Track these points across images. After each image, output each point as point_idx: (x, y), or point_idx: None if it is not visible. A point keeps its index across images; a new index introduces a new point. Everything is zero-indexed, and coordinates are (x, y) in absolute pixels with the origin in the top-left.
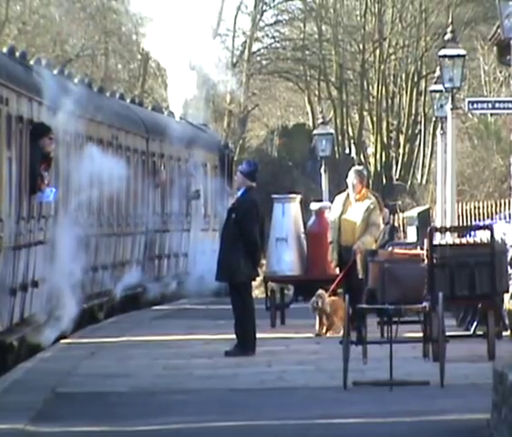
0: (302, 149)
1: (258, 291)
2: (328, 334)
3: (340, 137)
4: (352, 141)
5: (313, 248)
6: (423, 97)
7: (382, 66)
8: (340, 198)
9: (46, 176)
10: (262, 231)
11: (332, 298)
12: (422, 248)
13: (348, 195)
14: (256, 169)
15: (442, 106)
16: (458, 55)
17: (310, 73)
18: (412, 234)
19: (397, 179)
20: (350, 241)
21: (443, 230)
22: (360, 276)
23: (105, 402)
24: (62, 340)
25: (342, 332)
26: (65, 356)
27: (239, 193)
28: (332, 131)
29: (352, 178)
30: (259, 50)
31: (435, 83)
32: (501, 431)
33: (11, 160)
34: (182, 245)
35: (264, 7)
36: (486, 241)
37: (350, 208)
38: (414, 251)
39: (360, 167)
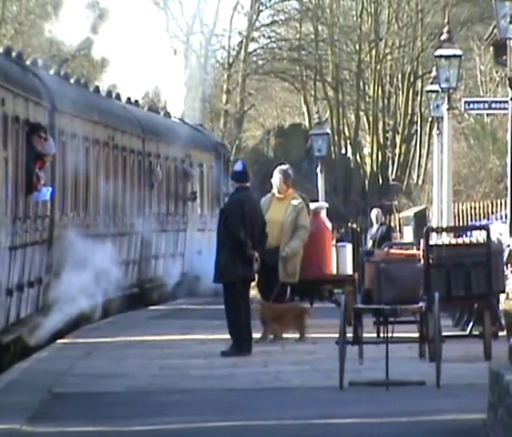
0: (298, 149)
1: (254, 292)
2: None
3: (336, 138)
4: (348, 141)
5: (310, 248)
6: (419, 98)
7: (378, 67)
8: (265, 199)
9: (42, 176)
10: (256, 231)
11: (276, 305)
12: (418, 249)
13: (273, 195)
14: (242, 170)
15: (438, 106)
16: (454, 56)
17: (306, 73)
18: (408, 234)
19: (393, 179)
20: (274, 243)
21: (439, 230)
22: (281, 279)
23: (101, 402)
24: (58, 340)
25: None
26: (61, 356)
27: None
28: (329, 131)
29: (276, 178)
30: (255, 50)
31: (432, 83)
32: (497, 432)
33: (7, 160)
34: (179, 245)
35: (260, 7)
36: (482, 241)
37: (275, 209)
38: (410, 251)
39: (285, 167)
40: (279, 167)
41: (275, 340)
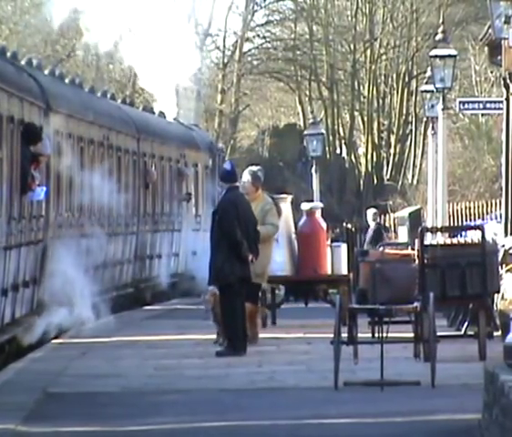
0: (292, 149)
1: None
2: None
3: (331, 138)
4: (343, 141)
5: (304, 248)
6: (414, 97)
7: (373, 67)
8: None
9: (37, 176)
10: (251, 231)
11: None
12: (413, 249)
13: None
14: (232, 170)
15: (433, 106)
16: (449, 56)
17: (301, 73)
18: (403, 234)
19: (388, 180)
20: None
21: (434, 230)
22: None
23: (96, 403)
24: (53, 341)
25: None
26: (56, 356)
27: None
28: (323, 131)
29: (244, 179)
30: (250, 50)
31: (426, 83)
32: (492, 432)
33: (2, 161)
34: (173, 245)
35: (255, 7)
36: (477, 241)
37: None
38: (405, 251)
39: (255, 168)
40: (248, 169)
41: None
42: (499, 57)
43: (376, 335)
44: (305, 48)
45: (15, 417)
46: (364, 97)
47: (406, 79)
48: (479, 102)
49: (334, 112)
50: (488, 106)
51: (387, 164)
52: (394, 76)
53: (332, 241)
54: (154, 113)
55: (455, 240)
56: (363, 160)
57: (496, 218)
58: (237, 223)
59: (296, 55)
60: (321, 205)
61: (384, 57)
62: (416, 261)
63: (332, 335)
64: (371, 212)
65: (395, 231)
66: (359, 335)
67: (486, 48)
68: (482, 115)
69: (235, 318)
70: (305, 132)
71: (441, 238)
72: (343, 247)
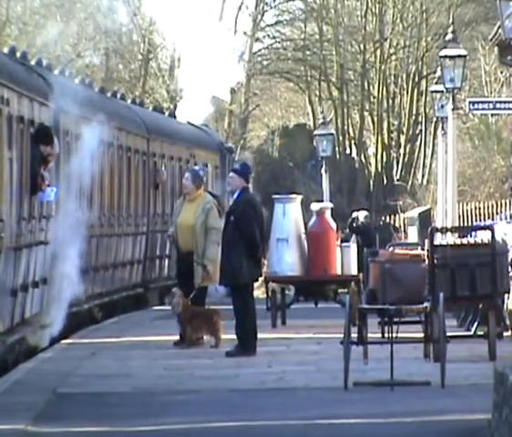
0: (302, 150)
1: (259, 292)
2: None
3: (341, 138)
4: (352, 141)
5: (314, 248)
6: (424, 98)
7: (383, 67)
8: (177, 203)
9: (46, 177)
10: (263, 231)
11: (191, 306)
12: (423, 249)
13: (185, 198)
14: (249, 171)
15: (443, 106)
16: (459, 56)
17: (311, 73)
18: (413, 234)
19: (398, 180)
20: (187, 246)
21: (444, 231)
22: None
23: (105, 403)
24: (63, 341)
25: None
26: (65, 356)
27: (235, 195)
28: (333, 131)
29: (184, 179)
30: (260, 50)
31: (436, 83)
32: (502, 432)
33: (12, 161)
34: None
35: (265, 8)
36: (486, 242)
37: (185, 212)
38: (415, 252)
39: (196, 168)
40: (189, 169)
41: (189, 344)
42: (509, 57)
43: (386, 335)
44: (315, 48)
45: (25, 417)
46: (374, 98)
47: (416, 79)
48: (489, 102)
49: (344, 112)
50: (498, 106)
51: (397, 164)
52: (404, 76)
53: (341, 241)
54: (164, 113)
55: (464, 241)
56: (372, 160)
57: (505, 219)
58: (255, 224)
59: (306, 55)
60: (331, 205)
61: (393, 57)
62: (426, 261)
63: (341, 335)
64: (362, 215)
65: (405, 231)
66: (369, 335)
67: (495, 48)
68: (492, 115)
69: (247, 317)
70: (315, 132)
71: (451, 239)
72: (353, 247)
